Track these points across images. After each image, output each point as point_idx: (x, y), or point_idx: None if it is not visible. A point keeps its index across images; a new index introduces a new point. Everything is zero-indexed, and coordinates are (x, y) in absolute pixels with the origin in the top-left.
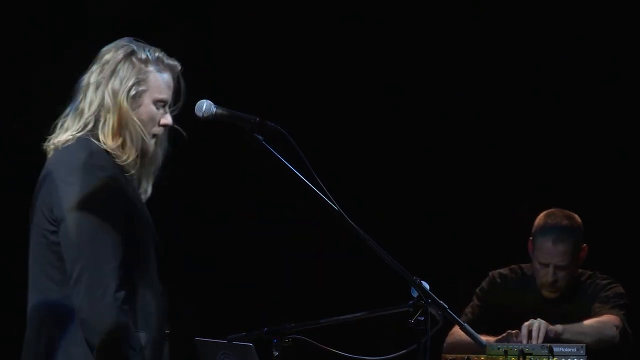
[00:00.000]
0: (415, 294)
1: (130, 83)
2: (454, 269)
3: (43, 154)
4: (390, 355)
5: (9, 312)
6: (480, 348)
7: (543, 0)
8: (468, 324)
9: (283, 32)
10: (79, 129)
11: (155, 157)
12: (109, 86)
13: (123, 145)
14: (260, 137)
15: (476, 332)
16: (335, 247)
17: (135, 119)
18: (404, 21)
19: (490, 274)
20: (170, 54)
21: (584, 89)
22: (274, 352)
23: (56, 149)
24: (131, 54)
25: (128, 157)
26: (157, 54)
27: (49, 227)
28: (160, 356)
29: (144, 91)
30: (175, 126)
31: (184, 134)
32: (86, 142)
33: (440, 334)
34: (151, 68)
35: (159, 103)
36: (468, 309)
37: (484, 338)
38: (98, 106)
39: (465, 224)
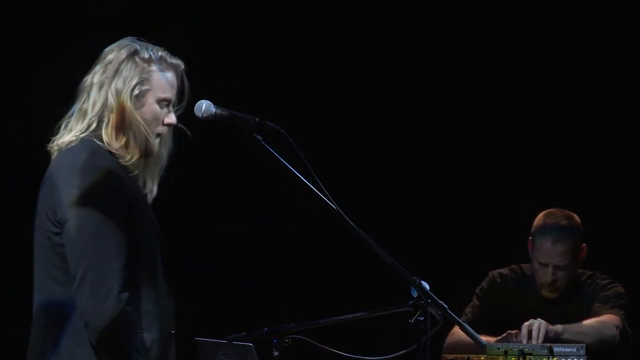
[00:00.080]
0: (415, 294)
1: (134, 83)
2: (454, 269)
3: (43, 154)
4: (390, 355)
5: (9, 312)
6: (480, 348)
7: (543, 0)
8: (468, 324)
9: (283, 32)
10: (83, 130)
11: (159, 156)
12: (112, 86)
13: (127, 145)
14: (259, 137)
15: (476, 332)
16: (335, 247)
17: (139, 118)
18: (404, 21)
19: (490, 274)
20: (171, 54)
21: (584, 89)
22: (274, 352)
23: (60, 150)
24: (134, 53)
25: (132, 157)
26: (160, 53)
27: (53, 229)
28: (166, 357)
29: (147, 90)
30: (180, 125)
31: (189, 133)
32: (89, 143)
33: (440, 334)
34: (154, 67)
35: (162, 102)
36: (468, 309)
37: (484, 338)
38: (101, 106)
39: (465, 224)
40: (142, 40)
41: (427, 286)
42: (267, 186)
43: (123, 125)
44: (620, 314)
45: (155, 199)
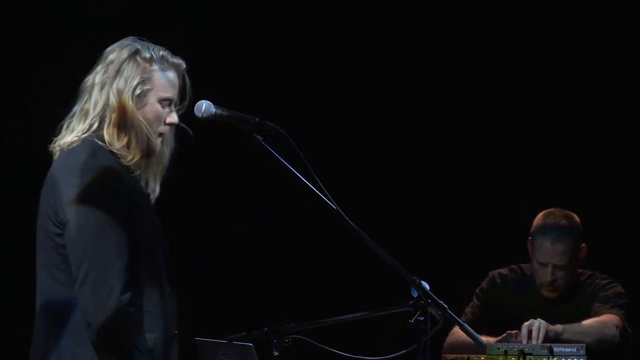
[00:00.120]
0: (415, 294)
1: (135, 82)
2: (454, 269)
3: (43, 154)
4: (390, 355)
5: (9, 312)
6: (481, 348)
7: (543, 0)
8: (468, 324)
9: (283, 32)
10: (84, 130)
11: (162, 156)
12: (114, 86)
13: (128, 145)
14: (259, 137)
15: (476, 332)
16: (335, 247)
17: (140, 118)
18: (404, 21)
19: (490, 274)
20: (172, 53)
21: (584, 89)
22: (274, 352)
23: (62, 150)
24: (135, 53)
25: (133, 157)
26: (161, 53)
27: (55, 230)
28: (168, 357)
29: (149, 90)
30: (182, 124)
31: (190, 132)
32: (91, 143)
33: (440, 334)
34: (155, 67)
35: (164, 102)
36: (468, 309)
37: (484, 338)
38: (103, 106)
39: (465, 224)
40: (144, 40)
41: (427, 286)
42: (267, 186)
43: (125, 125)
44: (620, 314)
45: (156, 199)
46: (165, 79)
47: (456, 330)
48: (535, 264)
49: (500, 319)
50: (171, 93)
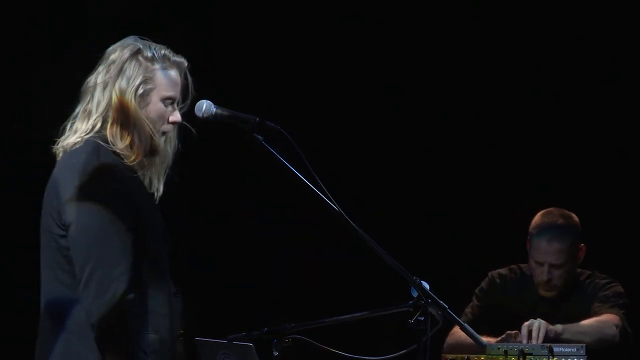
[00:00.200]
0: (415, 294)
1: (138, 82)
2: (454, 269)
3: (43, 154)
4: (390, 355)
5: (9, 312)
6: (481, 348)
7: (543, 0)
8: (468, 324)
9: (283, 32)
10: (87, 131)
11: (165, 155)
12: (116, 86)
13: (132, 145)
14: (260, 137)
15: (476, 332)
16: (335, 247)
17: (143, 117)
18: (404, 21)
19: (489, 274)
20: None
21: (584, 89)
22: (274, 352)
23: (65, 151)
24: (137, 52)
25: (137, 156)
26: (163, 52)
27: (59, 232)
28: (174, 357)
29: (151, 89)
30: (184, 123)
31: (193, 131)
32: (93, 144)
33: (440, 334)
34: (157, 66)
35: (167, 100)
36: (468, 309)
37: (484, 339)
38: (106, 106)
39: (465, 224)
40: (145, 39)
41: (427, 286)
42: (267, 186)
43: (127, 124)
44: (619, 314)
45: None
46: (167, 78)
47: (456, 330)
48: (532, 262)
49: (500, 319)
50: (174, 92)
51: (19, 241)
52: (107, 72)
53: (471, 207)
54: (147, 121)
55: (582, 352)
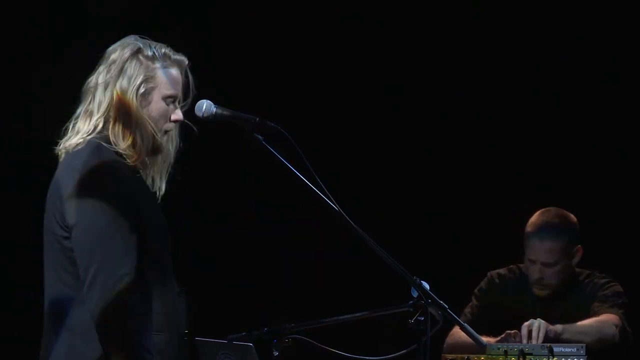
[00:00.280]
0: (415, 294)
1: (139, 81)
2: (454, 269)
3: (43, 154)
4: (390, 355)
5: (9, 312)
6: (481, 348)
7: (543, 0)
8: (467, 325)
9: (283, 32)
10: (89, 131)
11: (167, 153)
12: (117, 85)
13: (134, 145)
14: (260, 137)
15: (476, 332)
16: (335, 247)
17: (145, 117)
18: (404, 21)
19: (488, 274)
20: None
21: (584, 89)
22: (274, 352)
23: (67, 152)
24: (138, 51)
25: (139, 156)
26: (163, 50)
27: (62, 233)
28: (179, 357)
29: (152, 88)
30: (186, 121)
31: (195, 129)
32: (95, 145)
33: (440, 334)
34: (158, 64)
35: (168, 99)
36: (467, 310)
37: (483, 339)
38: (107, 106)
39: (465, 224)
40: (145, 38)
41: (427, 286)
42: (267, 186)
43: (129, 124)
44: (619, 313)
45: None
46: (168, 76)
47: (456, 330)
48: (527, 260)
49: (500, 319)
50: (175, 90)
51: (19, 241)
52: (107, 72)
53: (471, 207)
54: (149, 120)
55: (582, 352)
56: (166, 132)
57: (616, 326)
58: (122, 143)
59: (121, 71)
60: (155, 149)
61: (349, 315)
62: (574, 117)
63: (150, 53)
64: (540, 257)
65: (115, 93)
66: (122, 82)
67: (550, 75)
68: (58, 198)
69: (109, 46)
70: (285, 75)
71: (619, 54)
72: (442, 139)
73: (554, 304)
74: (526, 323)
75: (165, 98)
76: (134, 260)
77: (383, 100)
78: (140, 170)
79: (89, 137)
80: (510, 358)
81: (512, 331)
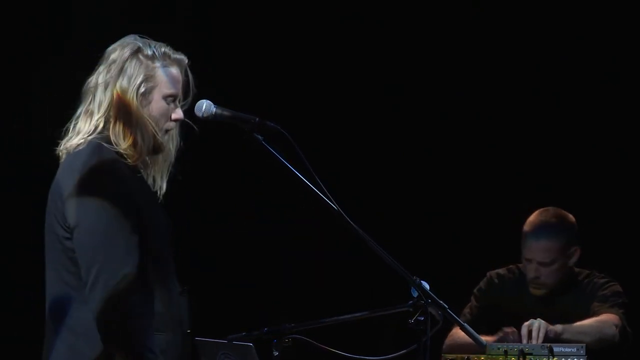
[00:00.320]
0: (415, 294)
1: (139, 81)
2: (454, 269)
3: (43, 154)
4: (390, 355)
5: (9, 312)
6: (480, 348)
7: (543, 0)
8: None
9: (283, 32)
10: (90, 132)
11: (168, 153)
12: (118, 85)
13: (135, 144)
14: (260, 137)
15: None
16: (335, 247)
17: (146, 116)
18: (404, 21)
19: (487, 274)
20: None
21: (584, 89)
22: (274, 352)
23: (68, 153)
24: (137, 51)
25: (140, 156)
26: (163, 49)
27: (64, 234)
28: (181, 357)
29: (153, 87)
30: (187, 120)
31: (196, 128)
32: (96, 145)
33: (440, 334)
34: (158, 64)
35: (169, 98)
36: (466, 310)
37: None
38: (108, 106)
39: (465, 224)
40: (144, 37)
41: (427, 286)
42: (267, 186)
43: (130, 123)
44: (619, 313)
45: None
46: (168, 76)
47: (454, 332)
48: (524, 259)
49: (498, 319)
50: (175, 89)
51: (19, 241)
52: (107, 72)
53: (471, 207)
54: (149, 120)
55: (582, 352)
56: (167, 131)
57: (616, 326)
58: (122, 143)
59: (121, 71)
60: (156, 148)
61: (349, 315)
62: (574, 117)
63: (150, 52)
64: (536, 256)
65: (115, 93)
66: (122, 82)
67: (550, 75)
68: (59, 199)
69: (109, 46)
70: (285, 75)
71: (619, 54)
72: (442, 139)
73: (553, 303)
74: (526, 323)
75: (165, 97)
76: (136, 260)
77: (383, 100)
78: (141, 170)
79: (90, 137)
80: (510, 358)
81: (509, 328)
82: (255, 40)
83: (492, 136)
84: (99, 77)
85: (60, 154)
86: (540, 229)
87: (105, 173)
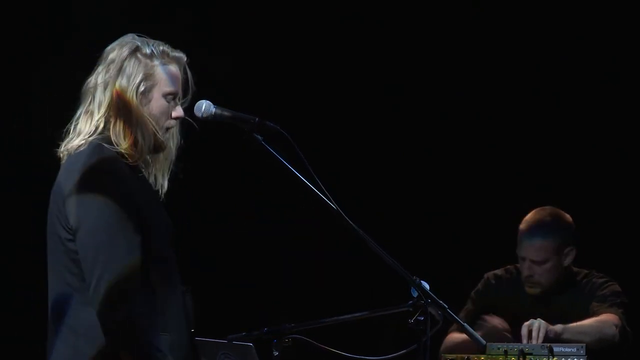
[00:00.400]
0: (415, 294)
1: (138, 79)
2: (454, 269)
3: (43, 154)
4: (390, 355)
5: (9, 312)
6: (480, 347)
7: (543, 0)
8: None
9: (283, 32)
10: (91, 132)
11: (169, 151)
12: (117, 85)
13: (135, 144)
14: (259, 137)
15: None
16: (335, 247)
17: (146, 115)
18: (404, 21)
19: (485, 275)
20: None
21: (584, 89)
22: (274, 352)
23: (69, 154)
24: (136, 50)
25: (141, 155)
26: (161, 48)
27: (66, 235)
28: (187, 357)
29: (152, 86)
30: (187, 118)
31: (196, 125)
32: (97, 147)
33: (440, 334)
34: (157, 62)
35: (168, 96)
36: (462, 314)
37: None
38: (107, 106)
39: (465, 224)
40: (143, 36)
41: (427, 286)
42: (267, 186)
43: (130, 123)
44: (618, 313)
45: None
46: (167, 74)
47: (449, 337)
48: (519, 258)
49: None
50: (175, 87)
51: (19, 241)
52: (106, 71)
53: (471, 207)
54: (149, 118)
55: (582, 352)
56: (167, 129)
57: (616, 326)
58: (123, 142)
59: (120, 70)
60: (157, 147)
61: (349, 315)
62: (574, 117)
63: (148, 51)
64: (529, 255)
65: (115, 92)
66: (122, 81)
67: (550, 75)
68: (60, 200)
69: (107, 45)
70: (285, 75)
71: (619, 54)
72: (442, 139)
73: (549, 303)
74: (526, 323)
75: (165, 95)
76: (138, 261)
77: (383, 100)
78: (143, 170)
79: (91, 138)
80: (510, 358)
81: (488, 316)
82: (255, 40)
83: (492, 136)
84: (98, 77)
85: (61, 155)
86: (535, 227)
87: (105, 173)
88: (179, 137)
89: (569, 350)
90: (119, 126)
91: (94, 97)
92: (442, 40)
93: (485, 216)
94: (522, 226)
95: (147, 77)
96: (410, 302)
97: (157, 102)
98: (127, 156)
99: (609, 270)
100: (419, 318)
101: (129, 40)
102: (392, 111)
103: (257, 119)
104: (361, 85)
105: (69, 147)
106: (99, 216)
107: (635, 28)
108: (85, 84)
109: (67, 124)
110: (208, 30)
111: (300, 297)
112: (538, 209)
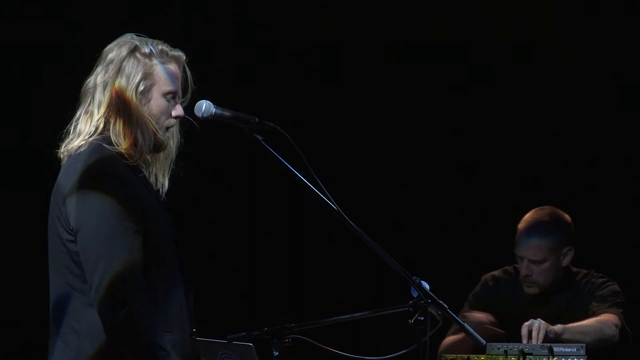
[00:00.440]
0: (415, 294)
1: (137, 79)
2: (453, 269)
3: (43, 155)
4: (390, 355)
5: (9, 312)
6: (480, 346)
7: (543, 0)
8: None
9: (283, 32)
10: (91, 133)
11: (169, 150)
12: (116, 84)
13: (135, 143)
14: (259, 137)
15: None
16: (335, 247)
17: (146, 114)
18: (404, 21)
19: (482, 277)
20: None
21: (585, 90)
22: (274, 352)
23: (69, 155)
24: (135, 49)
25: (141, 155)
26: (160, 47)
27: (67, 237)
28: (189, 356)
29: (152, 85)
30: (187, 117)
31: (196, 124)
32: (98, 147)
33: (440, 334)
34: (156, 61)
35: (168, 95)
36: (458, 316)
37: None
38: (107, 106)
39: (464, 224)
40: (141, 35)
41: (427, 286)
42: (267, 186)
43: (130, 122)
44: (618, 313)
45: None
46: (167, 73)
47: (445, 340)
48: (517, 257)
49: (496, 320)
50: (174, 86)
51: (19, 241)
52: (105, 72)
53: (470, 208)
54: (149, 118)
55: (582, 352)
56: (167, 128)
57: (616, 326)
58: (123, 142)
59: (119, 70)
60: (157, 147)
61: (349, 315)
62: (573, 117)
63: (147, 50)
64: (527, 254)
65: (114, 92)
66: (121, 81)
67: (550, 75)
68: (61, 201)
69: (106, 45)
70: (285, 75)
71: (619, 53)
72: (442, 139)
73: (547, 302)
74: (526, 323)
75: (165, 94)
76: (140, 261)
77: (383, 100)
78: (143, 169)
79: (91, 138)
80: (510, 358)
81: (467, 312)
82: (255, 40)
83: (492, 136)
84: (97, 77)
85: (62, 156)
86: (533, 227)
87: (106, 174)
88: (179, 136)
89: (569, 350)
90: (119, 126)
91: (93, 98)
92: (442, 40)
93: (485, 216)
94: (521, 226)
95: (147, 76)
96: (411, 302)
97: (156, 102)
98: (127, 156)
99: (608, 270)
100: (419, 318)
101: (128, 39)
102: (392, 111)
103: (257, 119)
104: (361, 85)
105: (69, 147)
106: (99, 217)
107: (635, 28)
108: (85, 84)
109: (67, 126)
110: (208, 30)
111: (300, 297)
112: (537, 208)
